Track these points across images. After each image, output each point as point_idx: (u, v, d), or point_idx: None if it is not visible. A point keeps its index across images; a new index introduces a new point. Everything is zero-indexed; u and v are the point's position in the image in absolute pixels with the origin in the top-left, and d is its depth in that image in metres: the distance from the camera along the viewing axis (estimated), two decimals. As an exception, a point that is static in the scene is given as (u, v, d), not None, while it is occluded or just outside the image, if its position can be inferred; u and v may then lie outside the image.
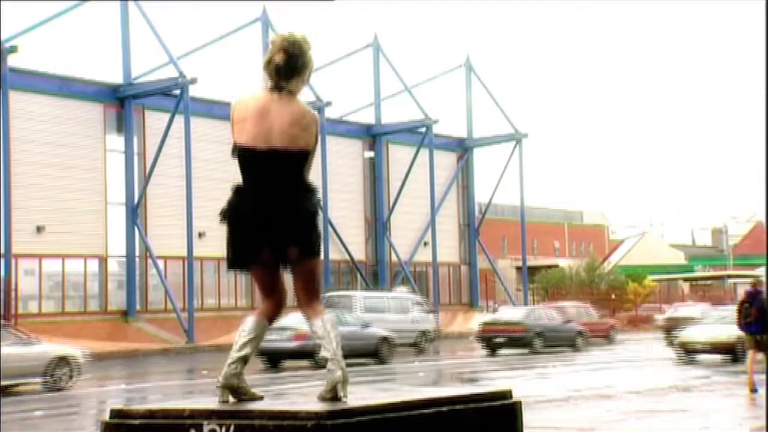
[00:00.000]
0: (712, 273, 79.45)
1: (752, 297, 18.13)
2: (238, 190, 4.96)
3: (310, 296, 5.07)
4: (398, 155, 51.45)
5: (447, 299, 53.72)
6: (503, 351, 33.58)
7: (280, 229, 4.88)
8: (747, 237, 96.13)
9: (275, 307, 5.16)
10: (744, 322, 18.16)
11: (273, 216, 4.86)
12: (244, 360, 5.03)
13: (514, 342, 33.71)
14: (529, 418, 6.28)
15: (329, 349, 4.90)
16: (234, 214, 4.93)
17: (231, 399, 4.99)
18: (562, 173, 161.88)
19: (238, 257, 4.98)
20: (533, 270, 61.83)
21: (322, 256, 5.21)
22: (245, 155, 4.91)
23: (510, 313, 36.87)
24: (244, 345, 5.04)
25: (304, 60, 5.03)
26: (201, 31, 75.81)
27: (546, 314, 36.08)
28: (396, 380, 23.55)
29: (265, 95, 4.98)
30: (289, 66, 4.98)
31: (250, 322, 5.10)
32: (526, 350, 33.33)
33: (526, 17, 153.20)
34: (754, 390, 17.58)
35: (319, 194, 5.05)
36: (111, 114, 40.02)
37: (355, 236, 49.33)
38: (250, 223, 4.88)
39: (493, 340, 34.03)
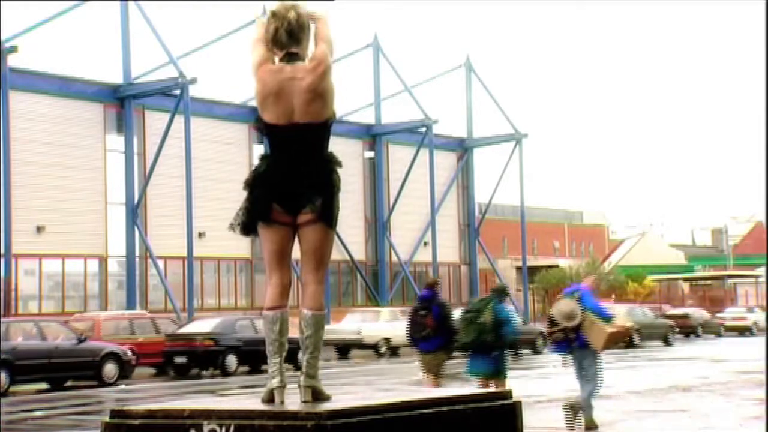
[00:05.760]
0: (712, 273, 79.41)
1: (428, 302, 13.67)
2: (263, 158, 5.08)
3: (309, 269, 5.02)
4: (398, 155, 51.41)
5: (447, 299, 53.62)
6: None
7: (295, 187, 4.90)
8: (747, 237, 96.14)
9: (280, 280, 5.02)
10: (417, 336, 13.52)
11: (290, 176, 4.91)
12: (281, 357, 5.05)
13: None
14: (529, 418, 6.28)
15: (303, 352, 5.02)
16: (255, 176, 5.00)
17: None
18: (562, 173, 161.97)
19: (250, 215, 4.97)
20: (533, 270, 61.76)
21: (333, 235, 5.09)
22: (270, 130, 5.02)
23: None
24: (269, 350, 5.10)
25: (304, 21, 5.11)
26: (201, 31, 75.86)
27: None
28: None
29: (281, 69, 5.02)
30: (294, 30, 5.05)
31: (263, 323, 5.10)
32: None
33: (527, 17, 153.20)
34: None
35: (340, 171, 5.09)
36: (111, 114, 39.98)
37: (355, 236, 49.27)
38: (268, 181, 4.93)
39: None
